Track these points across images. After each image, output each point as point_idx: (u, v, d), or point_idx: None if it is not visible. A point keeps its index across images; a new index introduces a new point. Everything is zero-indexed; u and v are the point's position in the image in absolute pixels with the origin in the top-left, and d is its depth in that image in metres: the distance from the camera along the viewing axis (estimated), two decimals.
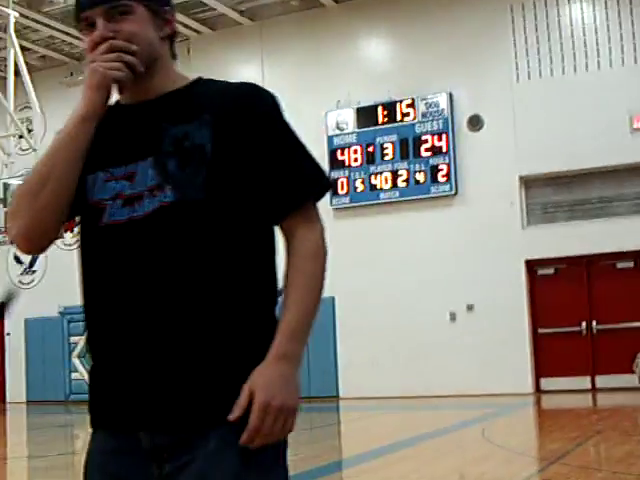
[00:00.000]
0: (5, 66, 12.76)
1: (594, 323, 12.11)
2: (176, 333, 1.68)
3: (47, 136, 12.94)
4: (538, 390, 12.03)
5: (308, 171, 1.80)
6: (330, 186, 1.86)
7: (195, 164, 1.73)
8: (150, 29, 1.81)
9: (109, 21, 1.77)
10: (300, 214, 1.79)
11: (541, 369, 12.18)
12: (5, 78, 12.56)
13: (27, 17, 12.75)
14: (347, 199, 12.85)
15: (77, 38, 13.68)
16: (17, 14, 12.03)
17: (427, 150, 12.43)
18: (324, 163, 12.74)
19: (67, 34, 13.55)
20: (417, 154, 12.47)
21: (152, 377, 1.69)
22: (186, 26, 13.04)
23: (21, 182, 1.83)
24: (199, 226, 1.71)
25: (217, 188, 1.72)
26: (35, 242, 1.80)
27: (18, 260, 14.71)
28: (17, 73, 12.27)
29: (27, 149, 13.27)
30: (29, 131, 13.29)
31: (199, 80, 1.89)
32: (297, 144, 1.82)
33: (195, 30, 13.29)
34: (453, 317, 12.33)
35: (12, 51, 12.24)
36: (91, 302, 1.80)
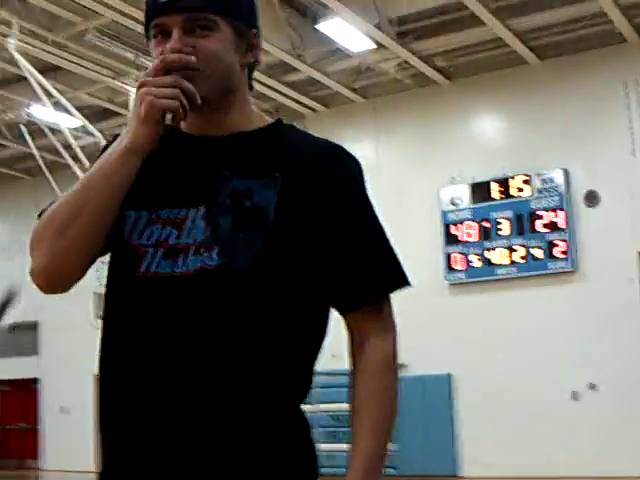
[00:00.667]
0: None
1: None
2: (197, 411, 1.55)
3: None
4: None
5: (388, 260, 1.67)
6: (409, 282, 1.69)
7: (252, 230, 1.59)
8: (232, 52, 1.68)
9: (187, 34, 1.63)
10: (372, 311, 1.65)
11: None
12: None
13: None
14: (463, 275, 13.52)
15: None
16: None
17: (544, 226, 13.08)
18: (439, 239, 13.58)
19: None
20: (533, 230, 13.10)
21: (172, 452, 1.57)
22: (301, 104, 14.15)
23: (46, 210, 1.65)
24: (241, 300, 1.57)
25: (271, 264, 1.59)
26: (55, 284, 1.66)
27: None
28: None
29: None
30: None
31: (278, 124, 1.75)
32: (377, 225, 1.68)
33: (310, 108, 14.32)
34: (575, 396, 12.53)
35: None
36: (113, 359, 1.63)
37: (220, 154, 1.67)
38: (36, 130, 14.31)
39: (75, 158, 13.13)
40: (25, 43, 11.80)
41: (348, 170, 1.68)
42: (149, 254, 1.63)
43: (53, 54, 12.51)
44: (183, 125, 1.65)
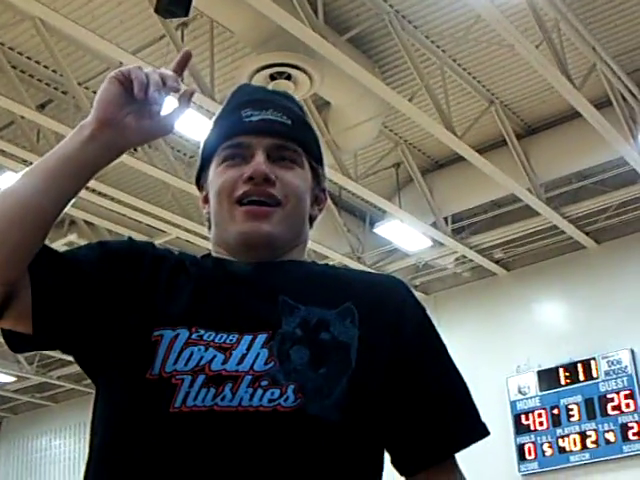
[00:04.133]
0: None
1: None
2: None
3: None
4: None
5: (469, 410, 1.52)
6: (488, 432, 1.53)
7: (335, 368, 1.41)
8: (309, 196, 1.64)
9: (269, 162, 1.57)
10: (444, 470, 1.49)
11: None
12: None
13: None
14: (535, 464, 13.66)
15: None
16: None
17: (614, 409, 13.35)
18: (509, 428, 13.80)
19: None
20: (604, 413, 13.34)
21: None
22: None
23: None
24: (323, 454, 1.36)
25: (357, 410, 1.41)
26: None
27: None
28: None
29: None
30: None
31: (327, 264, 1.71)
32: (456, 370, 1.56)
33: None
34: None
35: None
36: None
37: (278, 279, 1.54)
38: None
39: None
40: None
41: (418, 302, 1.58)
42: (185, 382, 1.37)
43: None
44: (226, 252, 1.61)
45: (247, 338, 1.41)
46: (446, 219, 12.36)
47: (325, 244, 12.47)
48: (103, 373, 1.49)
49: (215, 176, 1.61)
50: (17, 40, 9.33)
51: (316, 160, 1.69)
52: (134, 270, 1.55)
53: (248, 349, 1.40)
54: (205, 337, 1.42)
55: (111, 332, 1.47)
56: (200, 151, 1.71)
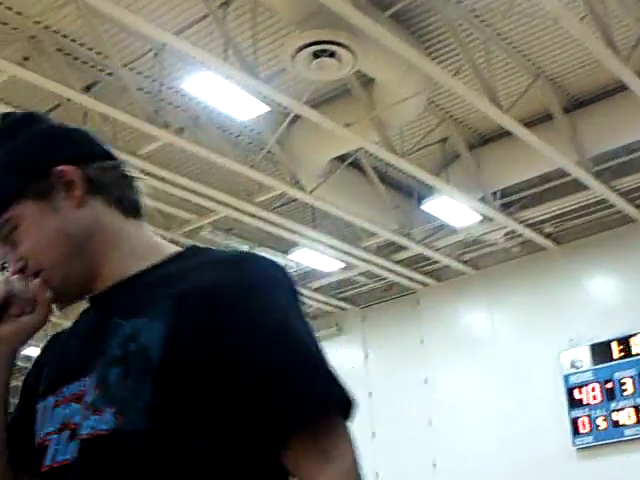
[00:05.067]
0: None
1: None
2: None
3: None
4: None
5: (312, 380, 1.36)
6: (344, 397, 1.39)
7: (139, 375, 1.36)
8: (48, 222, 1.51)
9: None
10: (303, 444, 1.33)
11: None
12: None
13: None
14: (590, 438, 13.56)
15: (310, 299, 15.61)
16: None
17: None
18: (563, 402, 13.66)
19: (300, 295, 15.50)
20: None
21: None
22: (413, 280, 14.73)
23: None
24: (140, 466, 1.34)
25: (164, 411, 1.35)
26: None
27: None
28: None
29: None
30: None
31: (185, 253, 1.55)
32: (287, 338, 1.38)
33: (422, 283, 14.92)
34: None
35: None
36: None
37: (110, 305, 1.49)
38: None
39: None
40: None
41: (242, 275, 1.42)
42: (54, 442, 1.43)
43: None
44: None
45: (90, 377, 1.43)
46: (494, 194, 12.21)
47: (373, 221, 12.41)
48: None
49: None
50: (61, 23, 9.36)
51: (16, 180, 1.53)
52: (31, 392, 1.63)
53: (90, 388, 1.42)
54: (66, 393, 1.46)
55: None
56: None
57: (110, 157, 1.61)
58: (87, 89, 9.64)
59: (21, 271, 1.52)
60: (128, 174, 1.61)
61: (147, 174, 10.78)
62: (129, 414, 1.35)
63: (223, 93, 9.53)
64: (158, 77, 9.90)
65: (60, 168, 1.52)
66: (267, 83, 9.44)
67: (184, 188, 11.47)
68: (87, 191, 1.53)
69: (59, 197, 1.51)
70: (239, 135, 11.49)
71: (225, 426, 1.36)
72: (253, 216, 12.29)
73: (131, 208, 1.58)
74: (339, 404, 1.39)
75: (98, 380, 1.40)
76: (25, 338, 1.56)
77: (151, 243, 1.58)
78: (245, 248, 13.63)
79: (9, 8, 9.07)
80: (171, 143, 10.47)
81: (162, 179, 11.16)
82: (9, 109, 9.37)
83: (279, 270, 1.49)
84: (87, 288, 1.54)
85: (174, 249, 1.56)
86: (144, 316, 1.40)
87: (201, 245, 1.60)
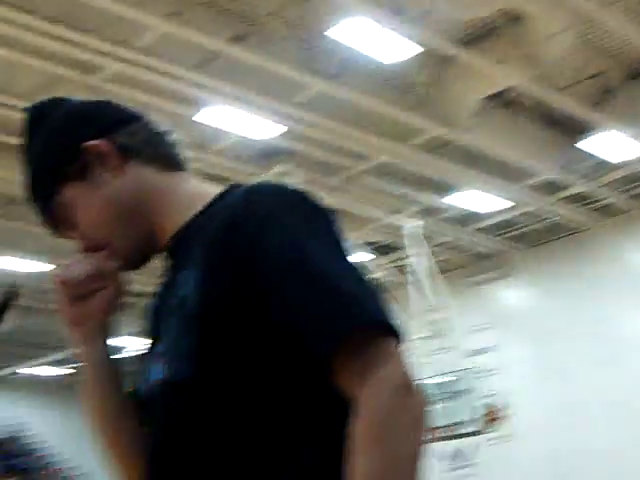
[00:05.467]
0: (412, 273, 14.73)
1: None
2: None
3: (459, 336, 14.54)
4: None
5: (335, 297, 1.30)
6: (379, 315, 1.31)
7: (181, 324, 1.41)
8: (90, 198, 1.57)
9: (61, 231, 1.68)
10: (343, 366, 1.29)
11: None
12: (413, 284, 14.49)
13: (427, 226, 14.70)
14: None
15: (476, 240, 15.56)
16: (420, 222, 14.12)
17: None
18: None
19: (465, 237, 15.53)
20: None
21: None
22: (578, 218, 14.41)
23: None
24: (186, 414, 1.39)
25: (207, 356, 1.37)
26: None
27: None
28: (424, 278, 14.22)
29: (442, 348, 14.55)
30: (442, 332, 14.78)
31: (222, 194, 1.53)
32: (303, 269, 1.32)
33: (587, 221, 14.56)
34: None
35: (413, 259, 14.29)
36: None
37: (171, 260, 1.56)
38: None
39: None
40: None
41: (251, 215, 1.38)
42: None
43: (333, 198, 13.49)
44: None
45: (162, 330, 1.50)
46: None
47: (532, 159, 12.21)
48: None
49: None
50: None
51: (53, 167, 1.60)
52: None
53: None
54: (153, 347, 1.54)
55: None
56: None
57: (137, 119, 1.64)
58: (238, 40, 9.83)
59: (88, 249, 1.59)
60: (159, 130, 1.64)
61: (304, 122, 10.98)
62: (173, 364, 1.40)
63: (373, 37, 9.54)
64: (307, 24, 10.00)
65: (89, 144, 1.56)
66: (417, 24, 9.40)
67: (341, 134, 11.58)
68: (122, 159, 1.57)
69: (97, 172, 1.56)
70: (391, 79, 11.48)
71: (266, 365, 1.35)
72: (410, 159, 12.30)
73: (169, 162, 1.61)
74: (376, 323, 1.30)
75: (162, 332, 1.47)
76: (108, 311, 1.64)
77: (196, 192, 1.57)
78: (404, 191, 13.66)
79: None
80: (325, 90, 10.58)
81: (319, 126, 11.32)
82: (161, 64, 9.73)
83: (297, 196, 1.44)
84: (153, 248, 1.59)
85: (217, 193, 1.54)
86: (188, 267, 1.44)
87: (241, 182, 1.54)
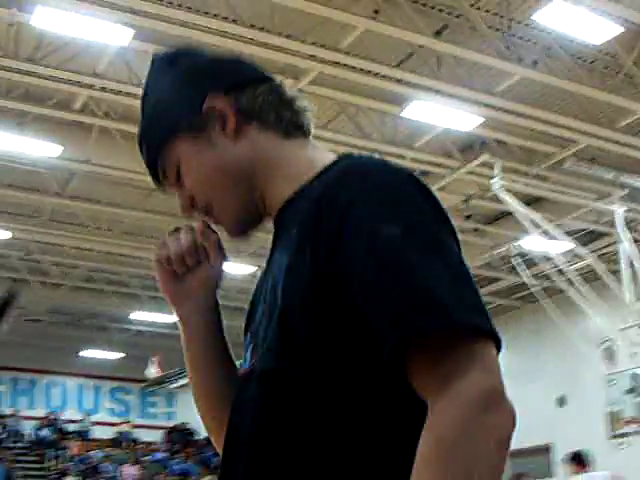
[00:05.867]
0: (617, 260, 14.34)
1: None
2: None
3: None
4: None
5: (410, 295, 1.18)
6: (472, 320, 1.18)
7: (271, 313, 1.35)
8: (205, 154, 1.49)
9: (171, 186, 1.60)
10: (423, 366, 1.18)
11: None
12: (618, 272, 14.12)
13: (633, 210, 14.30)
14: None
15: None
16: (625, 208, 13.75)
17: None
18: None
19: None
20: None
21: None
22: None
23: None
24: (270, 405, 1.33)
25: (289, 348, 1.31)
26: None
27: None
28: (630, 265, 13.81)
29: None
30: None
31: (330, 166, 1.43)
32: (385, 265, 1.22)
33: None
34: None
35: (623, 244, 13.88)
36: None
37: (274, 236, 1.49)
38: (528, 260, 15.14)
39: (569, 282, 13.67)
40: (509, 181, 12.75)
41: (342, 199, 1.29)
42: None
43: (535, 187, 13.34)
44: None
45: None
46: None
47: None
48: None
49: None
50: None
51: (170, 116, 1.52)
52: None
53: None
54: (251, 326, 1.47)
55: None
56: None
57: (265, 80, 1.54)
58: (438, 34, 9.89)
59: (190, 208, 1.53)
60: (286, 94, 1.53)
61: (505, 111, 10.90)
62: (259, 352, 1.37)
63: (574, 19, 9.38)
64: (506, 13, 9.93)
65: (211, 103, 1.48)
66: (619, 2, 9.17)
67: (543, 121, 11.43)
68: (242, 121, 1.48)
69: (214, 131, 1.48)
70: (594, 60, 11.23)
71: (346, 362, 1.28)
72: (617, 142, 11.98)
73: (292, 128, 1.50)
74: (462, 325, 1.16)
75: (256, 314, 1.44)
76: (207, 286, 1.61)
77: (308, 162, 1.47)
78: (610, 176, 13.32)
79: None
80: (526, 77, 10.47)
81: (521, 114, 11.20)
82: (364, 63, 9.86)
83: (399, 176, 1.33)
84: (259, 217, 1.51)
85: (325, 163, 1.44)
86: (285, 246, 1.38)
87: (354, 153, 1.46)
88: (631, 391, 13.59)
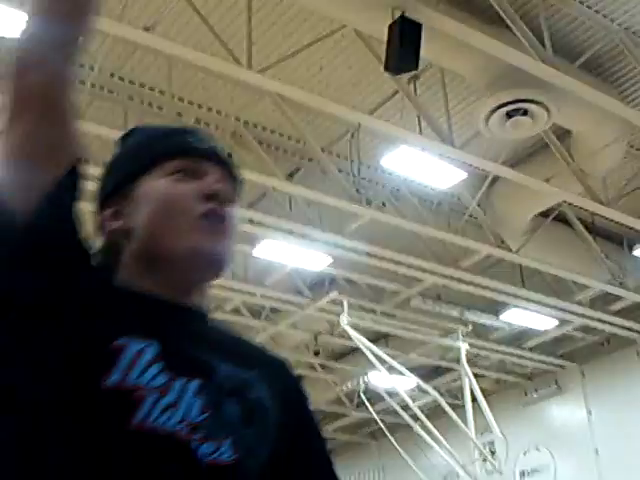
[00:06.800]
0: (462, 395, 14.52)
1: None
2: None
3: (510, 457, 14.28)
4: None
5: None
6: None
7: (261, 429, 1.38)
8: None
9: None
10: None
11: None
12: (463, 406, 14.28)
13: (476, 346, 14.61)
14: None
15: (526, 358, 15.36)
16: (467, 346, 14.02)
17: None
18: None
19: (515, 356, 15.29)
20: None
21: None
22: (632, 330, 14.18)
23: None
24: None
25: (278, 468, 1.42)
26: None
27: None
28: (474, 399, 13.98)
29: (492, 472, 14.36)
30: (492, 453, 14.56)
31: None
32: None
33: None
34: None
35: (466, 380, 14.09)
36: None
37: (195, 329, 1.43)
38: (375, 396, 15.15)
39: (414, 417, 13.72)
40: (357, 318, 12.82)
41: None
42: (149, 399, 1.26)
43: (382, 323, 13.46)
44: (145, 272, 1.44)
45: (180, 381, 1.31)
46: None
47: (584, 274, 12.12)
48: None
49: (157, 188, 1.46)
50: (259, 117, 9.78)
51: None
52: None
53: (182, 392, 1.30)
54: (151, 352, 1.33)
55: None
56: (113, 169, 1.56)
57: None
58: (290, 176, 9.97)
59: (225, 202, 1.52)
60: None
61: (355, 251, 10.99)
62: (250, 459, 1.39)
63: (421, 164, 9.63)
64: (356, 157, 10.12)
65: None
66: (463, 149, 9.48)
67: (391, 260, 11.58)
68: None
69: None
70: (440, 203, 11.55)
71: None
72: (461, 281, 12.25)
73: None
74: None
75: (209, 404, 1.36)
76: None
77: None
78: (455, 313, 13.60)
79: (210, 109, 9.57)
80: (375, 218, 10.63)
81: (369, 254, 11.33)
82: None
83: None
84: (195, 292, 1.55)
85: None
86: (246, 370, 1.46)
87: None
88: None
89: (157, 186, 1.47)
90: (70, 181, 1.39)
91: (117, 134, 1.61)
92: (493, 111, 8.97)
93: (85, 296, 1.35)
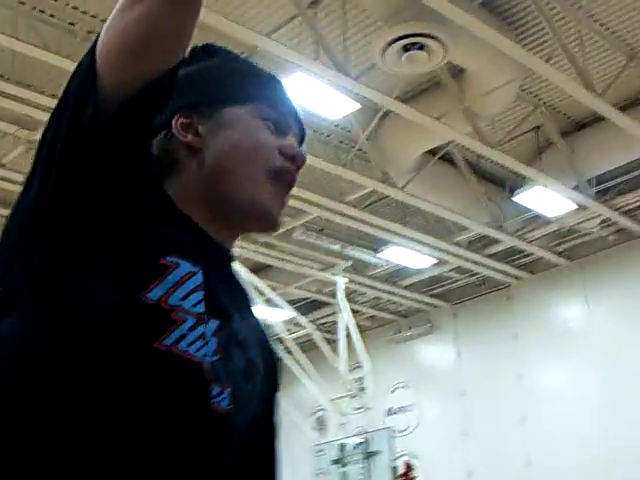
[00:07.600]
0: (336, 330, 14.64)
1: None
2: None
3: (378, 395, 14.50)
4: None
5: None
6: None
7: (254, 386, 1.39)
8: None
9: None
10: None
11: None
12: (336, 341, 14.40)
13: (354, 282, 14.70)
14: None
15: (401, 296, 15.55)
16: (346, 280, 14.10)
17: None
18: None
19: (391, 293, 15.48)
20: None
21: None
22: (506, 274, 14.53)
23: None
24: (237, 461, 1.38)
25: (267, 424, 1.49)
26: None
27: None
28: (348, 335, 14.11)
29: (359, 408, 14.61)
30: (361, 390, 14.77)
31: None
32: None
33: (515, 276, 14.71)
34: None
35: (342, 316, 14.21)
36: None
37: (225, 274, 1.44)
38: None
39: (288, 350, 13.77)
40: (238, 248, 12.67)
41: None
42: (185, 322, 1.24)
43: (263, 254, 13.37)
44: (203, 207, 1.42)
45: (208, 317, 1.30)
46: (589, 181, 11.91)
47: (465, 214, 12.27)
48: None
49: (251, 125, 1.46)
50: None
51: None
52: None
53: (206, 329, 1.29)
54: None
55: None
56: (202, 80, 1.52)
57: None
58: None
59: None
60: None
61: None
62: (242, 413, 1.39)
63: (314, 93, 9.50)
64: None
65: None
66: (358, 80, 9.39)
67: None
68: None
69: None
70: (330, 134, 11.46)
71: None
72: (344, 215, 12.24)
73: None
74: None
75: (222, 348, 1.35)
76: None
77: None
78: (336, 247, 13.63)
79: (95, 16, 9.18)
80: None
81: None
82: None
83: None
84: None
85: None
86: (250, 327, 1.48)
87: None
88: (337, 462, 13.65)
89: (252, 124, 1.45)
90: (169, 79, 1.31)
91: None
92: (390, 43, 8.90)
93: (146, 205, 1.32)
